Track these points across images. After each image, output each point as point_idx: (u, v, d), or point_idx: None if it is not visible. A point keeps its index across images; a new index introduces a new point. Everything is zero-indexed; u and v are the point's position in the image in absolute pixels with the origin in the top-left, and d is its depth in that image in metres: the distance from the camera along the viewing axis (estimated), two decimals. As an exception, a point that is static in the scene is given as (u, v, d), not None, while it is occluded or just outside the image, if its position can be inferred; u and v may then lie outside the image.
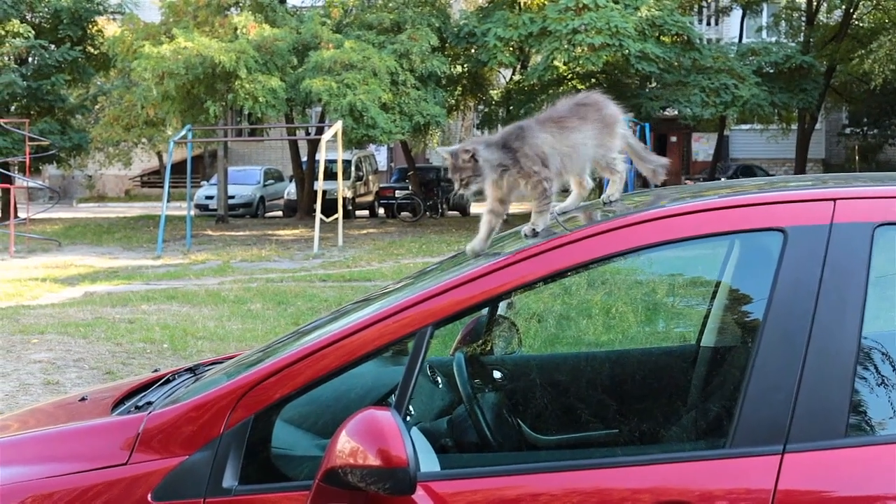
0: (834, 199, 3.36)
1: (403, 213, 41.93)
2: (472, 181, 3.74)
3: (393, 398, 3.98)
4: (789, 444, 3.10)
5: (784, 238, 3.29)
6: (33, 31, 38.42)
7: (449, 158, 3.76)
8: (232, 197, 42.13)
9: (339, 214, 28.97)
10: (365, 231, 34.71)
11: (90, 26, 41.70)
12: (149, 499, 3.40)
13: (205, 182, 48.65)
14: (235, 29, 32.46)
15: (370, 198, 44.90)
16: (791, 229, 3.30)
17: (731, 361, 4.27)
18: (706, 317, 4.81)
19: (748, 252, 4.08)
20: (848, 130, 54.45)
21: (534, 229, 3.70)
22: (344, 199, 33.18)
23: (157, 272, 22.89)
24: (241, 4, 35.29)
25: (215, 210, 41.07)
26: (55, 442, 3.88)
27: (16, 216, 32.58)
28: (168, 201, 29.32)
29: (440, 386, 4.61)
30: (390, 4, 35.28)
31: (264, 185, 46.75)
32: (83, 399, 4.44)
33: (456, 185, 3.78)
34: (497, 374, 4.81)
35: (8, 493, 3.59)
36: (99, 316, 15.74)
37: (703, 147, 55.04)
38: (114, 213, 46.55)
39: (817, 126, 47.55)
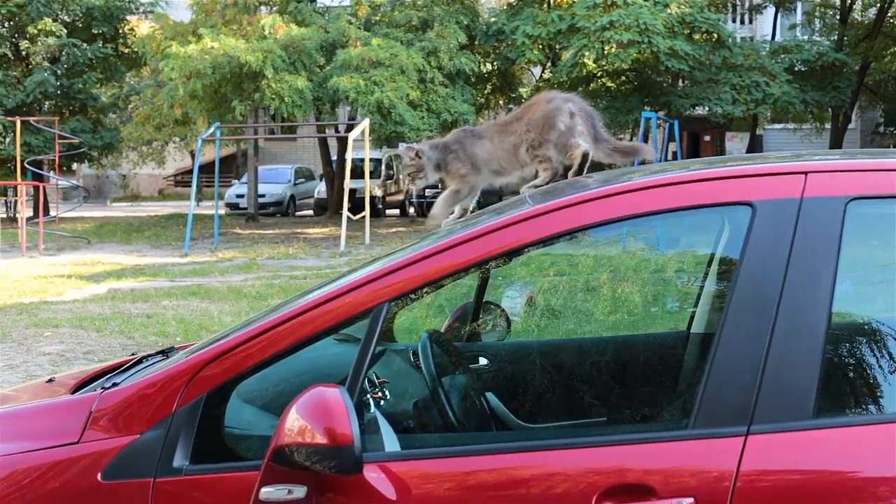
0: (805, 173, 3.26)
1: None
2: (416, 177, 4.22)
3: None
4: (754, 424, 3.01)
5: (752, 212, 3.19)
6: (65, 30, 38.59)
7: (399, 156, 3.96)
8: (263, 195, 42.21)
9: (366, 212, 28.92)
10: (394, 229, 34.66)
11: (122, 25, 41.87)
12: (98, 478, 3.34)
13: (236, 181, 48.75)
14: (263, 28, 32.47)
15: (401, 196, 44.84)
16: (759, 203, 3.21)
17: (694, 341, 4.18)
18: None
19: (727, 228, 3.99)
20: (883, 129, 53.96)
21: (432, 216, 4.13)
22: (373, 197, 33.15)
23: (182, 269, 22.91)
24: (269, 3, 35.31)
25: (246, 209, 41.16)
26: (8, 421, 3.83)
27: (46, 214, 32.76)
28: (199, 200, 29.37)
29: (423, 373, 4.53)
30: (419, 2, 35.19)
31: (295, 184, 46.82)
32: (50, 380, 4.39)
33: (405, 181, 4.20)
34: (473, 356, 4.74)
35: None
36: (117, 311, 15.75)
37: (736, 146, 54.72)
38: (145, 212, 46.71)
39: (851, 125, 47.11)
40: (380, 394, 3.88)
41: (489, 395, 4.36)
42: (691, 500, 2.96)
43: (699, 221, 4.09)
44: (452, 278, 3.48)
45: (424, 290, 3.44)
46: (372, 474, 3.12)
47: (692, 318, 4.69)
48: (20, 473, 3.46)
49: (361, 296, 3.36)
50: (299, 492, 3.11)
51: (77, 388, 4.01)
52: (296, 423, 3.01)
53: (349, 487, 3.13)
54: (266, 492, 3.10)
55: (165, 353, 4.29)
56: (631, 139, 38.96)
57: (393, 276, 3.37)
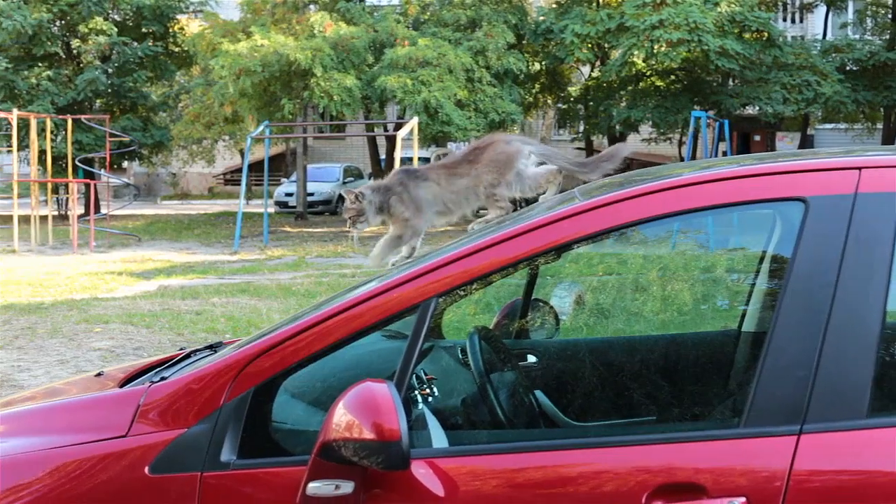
0: (859, 168, 3.21)
1: (482, 210, 41.74)
2: (358, 221, 4.17)
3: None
4: (807, 423, 2.97)
5: (805, 208, 3.14)
6: (116, 29, 38.84)
7: (345, 199, 4.20)
8: (311, 194, 42.30)
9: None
10: (441, 229, 34.58)
11: (172, 24, 42.10)
12: (146, 471, 3.33)
13: (285, 179, 48.89)
14: (312, 27, 32.57)
15: (449, 196, 44.74)
16: (813, 199, 3.16)
17: (745, 339, 4.13)
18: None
19: (778, 225, 3.94)
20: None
21: (372, 255, 4.17)
22: (422, 196, 33.09)
23: (232, 267, 23.01)
24: (318, 2, 35.41)
25: (295, 207, 41.26)
26: (59, 414, 3.86)
27: (97, 211, 32.98)
28: (248, 199, 29.48)
29: (472, 370, 4.50)
30: (467, 1, 35.16)
31: (344, 183, 46.89)
32: (99, 374, 4.40)
33: (347, 224, 4.21)
34: (521, 353, 4.71)
35: (11, 463, 3.56)
36: (167, 308, 15.84)
37: (787, 146, 54.31)
38: (195, 210, 46.93)
39: (903, 124, 46.71)
40: (427, 390, 3.85)
41: (537, 392, 4.32)
42: (743, 499, 2.92)
43: (750, 217, 4.05)
44: (501, 273, 3.46)
45: (473, 285, 3.42)
46: (420, 470, 3.10)
47: (743, 316, 4.64)
48: (69, 466, 3.46)
49: (409, 291, 3.34)
50: (346, 487, 3.09)
51: (125, 382, 4.02)
52: (343, 418, 3.00)
53: (397, 483, 3.11)
54: (313, 487, 3.09)
55: (213, 347, 4.28)
56: (680, 139, 38.83)
57: (441, 271, 3.34)
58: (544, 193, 4.33)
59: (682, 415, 3.96)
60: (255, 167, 44.79)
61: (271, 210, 34.46)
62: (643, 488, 2.98)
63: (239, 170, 57.99)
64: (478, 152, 4.26)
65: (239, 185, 42.76)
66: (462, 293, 3.46)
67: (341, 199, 45.53)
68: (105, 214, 33.98)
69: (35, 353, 12.23)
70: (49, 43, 38.49)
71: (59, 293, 17.90)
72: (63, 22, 39.66)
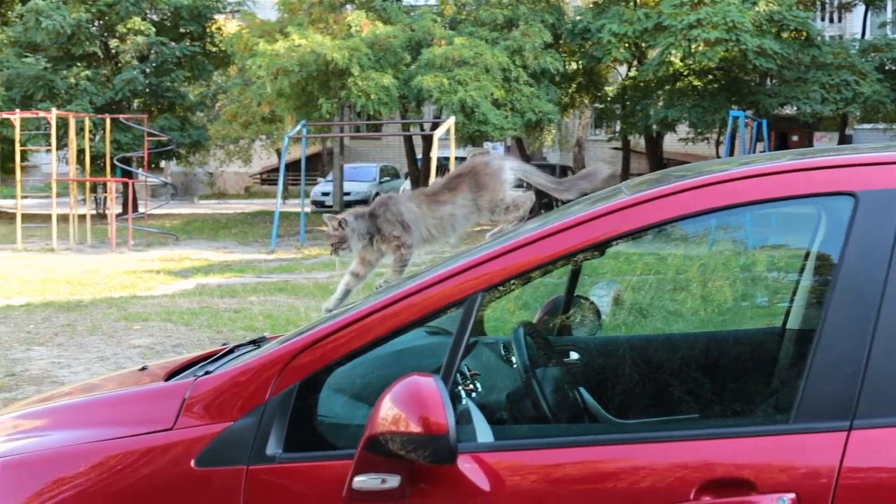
0: None
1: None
2: (340, 248, 4.17)
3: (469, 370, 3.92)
4: (857, 419, 2.94)
5: (855, 203, 3.11)
6: (154, 29, 39.01)
7: (326, 225, 4.22)
8: (348, 193, 42.34)
9: (451, 211, 28.87)
10: (478, 228, 34.56)
11: (209, 24, 42.27)
12: (192, 465, 3.34)
13: (321, 179, 48.99)
14: (349, 27, 32.62)
15: (485, 195, 44.71)
16: (863, 193, 3.12)
17: (791, 336, 4.10)
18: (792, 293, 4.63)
19: (824, 220, 3.90)
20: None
21: (387, 282, 4.06)
22: (458, 196, 33.07)
23: (269, 266, 23.06)
24: (355, 2, 35.45)
25: (331, 206, 41.32)
26: (105, 407, 3.87)
27: (135, 210, 33.13)
28: (285, 198, 29.54)
29: (514, 366, 4.49)
30: (504, 1, 35.12)
31: (380, 182, 46.95)
32: (143, 368, 4.42)
33: (330, 250, 4.20)
34: (564, 350, 4.69)
35: (56, 456, 3.58)
36: (205, 306, 15.89)
37: (825, 146, 54.04)
38: (232, 209, 47.08)
39: (944, 124, 46.35)
40: (471, 386, 3.85)
41: (580, 389, 4.31)
42: (793, 495, 2.90)
43: (795, 213, 4.01)
44: (547, 268, 3.44)
45: (519, 279, 3.41)
46: (465, 465, 3.09)
47: (787, 313, 4.61)
48: (115, 458, 3.48)
49: (455, 285, 3.33)
50: (393, 481, 3.09)
51: (170, 377, 4.03)
52: (390, 412, 2.99)
53: (443, 477, 3.10)
54: (359, 480, 3.09)
55: (257, 342, 4.29)
56: (718, 138, 38.66)
57: (487, 266, 3.33)
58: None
59: (729, 411, 3.93)
60: (292, 167, 44.90)
61: (308, 209, 34.51)
62: (692, 483, 2.97)
63: (275, 169, 58.15)
64: (459, 180, 4.27)
65: (275, 184, 42.89)
66: (507, 288, 3.45)
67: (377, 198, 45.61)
68: (143, 213, 34.13)
69: (75, 350, 12.31)
70: (87, 43, 38.71)
71: (98, 291, 17.99)
72: (101, 22, 39.87)
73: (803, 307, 4.42)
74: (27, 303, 16.42)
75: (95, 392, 4.24)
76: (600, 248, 3.47)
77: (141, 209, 35.40)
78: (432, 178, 27.86)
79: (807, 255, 4.45)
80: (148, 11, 40.46)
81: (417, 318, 3.38)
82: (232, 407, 3.41)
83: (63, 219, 28.75)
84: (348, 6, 35.67)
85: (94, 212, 34.49)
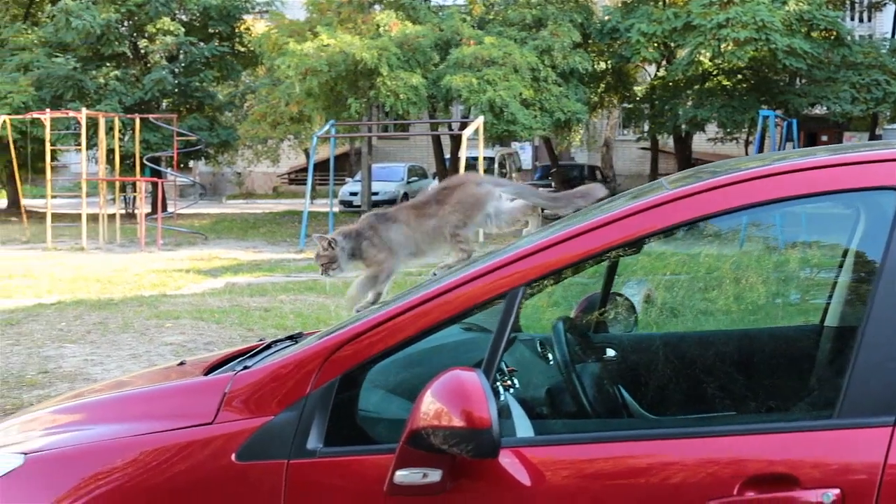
0: None
1: (546, 211, 41.68)
2: (330, 268, 4.18)
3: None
4: None
5: None
6: (183, 29, 39.13)
7: (317, 245, 4.21)
8: (376, 193, 42.36)
9: (479, 210, 28.83)
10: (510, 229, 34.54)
11: (238, 24, 42.37)
12: (232, 459, 3.34)
13: (349, 179, 49.04)
14: (378, 26, 32.65)
15: (513, 195, 44.69)
16: None
17: (831, 333, 4.08)
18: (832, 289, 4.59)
19: (864, 216, 3.87)
20: None
21: (349, 297, 4.15)
22: (486, 195, 33.06)
23: (298, 265, 23.08)
24: (384, 2, 35.48)
25: (359, 206, 41.36)
26: (145, 402, 3.88)
27: (164, 210, 33.24)
28: (313, 198, 29.58)
29: (550, 363, 4.48)
30: (532, 1, 35.10)
31: (408, 182, 46.97)
32: (182, 364, 4.42)
33: (319, 270, 4.22)
34: (602, 346, 4.67)
35: (95, 450, 3.58)
36: (235, 304, 15.93)
37: (859, 143, 53.71)
38: (260, 209, 47.17)
39: (975, 124, 46.07)
40: (509, 382, 3.84)
41: (621, 385, 4.29)
42: (837, 491, 2.88)
43: (834, 208, 3.99)
44: (589, 262, 3.44)
45: (560, 274, 3.39)
46: (506, 459, 3.09)
47: (826, 310, 4.58)
48: (155, 452, 3.48)
49: (496, 280, 3.32)
50: (434, 476, 3.08)
51: (208, 372, 4.03)
52: (432, 407, 2.98)
53: (484, 472, 3.10)
54: (401, 475, 3.08)
55: (294, 338, 4.29)
56: (747, 139, 38.51)
57: (528, 261, 3.32)
58: (526, 227, 4.40)
59: (771, 407, 3.91)
60: (320, 167, 44.96)
61: (336, 209, 34.58)
62: (736, 478, 2.96)
63: (303, 169, 58.26)
64: (447, 192, 4.24)
65: (303, 184, 43.00)
66: (548, 282, 3.44)
67: (406, 197, 45.65)
68: (172, 213, 34.23)
69: (107, 348, 12.36)
70: (117, 43, 38.84)
71: (128, 290, 18.06)
72: (131, 22, 40.00)
73: (843, 304, 4.39)
74: (58, 301, 16.50)
75: (133, 387, 4.25)
76: (643, 242, 3.44)
77: (170, 209, 35.52)
78: (461, 178, 27.84)
79: (845, 252, 4.42)
80: (177, 12, 40.57)
81: (458, 312, 3.38)
82: (272, 401, 3.40)
83: (92, 218, 28.89)
84: (377, 6, 35.71)
85: (123, 211, 34.60)
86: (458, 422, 2.94)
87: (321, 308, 15.40)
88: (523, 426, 3.47)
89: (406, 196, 45.89)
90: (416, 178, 48.12)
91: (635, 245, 3.45)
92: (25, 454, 3.66)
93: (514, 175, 45.98)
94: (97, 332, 13.47)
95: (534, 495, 3.08)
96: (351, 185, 45.87)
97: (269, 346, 4.21)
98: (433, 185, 42.36)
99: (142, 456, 3.50)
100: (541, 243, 3.36)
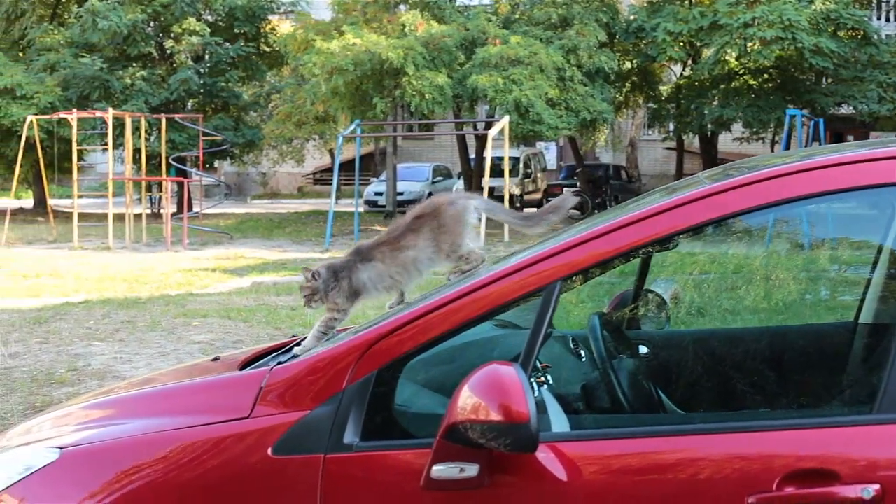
0: None
1: (572, 211, 41.65)
2: (313, 300, 4.12)
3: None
4: None
5: None
6: (209, 29, 39.26)
7: (302, 275, 4.18)
8: (401, 193, 42.38)
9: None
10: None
11: (263, 24, 42.47)
12: (269, 453, 3.34)
13: (374, 179, 49.10)
14: (404, 26, 32.68)
15: (538, 195, 44.80)
16: None
17: (866, 329, 4.05)
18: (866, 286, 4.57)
19: None
20: None
21: (304, 348, 3.96)
22: (512, 195, 33.12)
23: (324, 264, 23.07)
24: (409, 1, 35.52)
25: (384, 206, 41.41)
26: (181, 396, 3.88)
27: (189, 210, 33.34)
28: (338, 198, 29.62)
29: (583, 359, 4.47)
30: (558, 0, 35.05)
31: (433, 182, 46.99)
32: (215, 359, 4.43)
33: (303, 302, 4.15)
34: (639, 342, 4.65)
35: (129, 445, 3.59)
36: (262, 303, 15.96)
37: (886, 138, 53.35)
38: (285, 208, 47.23)
39: None
40: (543, 378, 3.82)
41: (657, 381, 4.28)
42: (877, 486, 2.87)
43: (868, 204, 3.96)
44: (626, 257, 3.42)
45: (598, 268, 3.38)
46: (541, 454, 3.07)
47: (860, 307, 4.55)
48: (191, 447, 3.48)
49: (533, 274, 3.31)
50: (471, 470, 3.07)
51: (243, 367, 4.03)
52: (469, 401, 2.97)
53: (521, 467, 3.09)
54: (438, 469, 3.07)
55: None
56: (773, 138, 38.38)
57: (566, 255, 3.31)
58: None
59: (808, 403, 3.89)
60: (345, 167, 45.05)
61: (361, 209, 34.63)
62: (774, 473, 2.94)
63: (328, 170, 58.37)
64: (420, 221, 4.17)
65: (328, 184, 43.10)
66: (586, 276, 3.43)
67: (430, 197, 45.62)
68: (198, 213, 34.32)
69: (136, 346, 12.39)
70: (143, 43, 38.99)
71: (155, 289, 18.11)
72: (157, 22, 40.17)
73: (878, 301, 4.37)
74: (86, 300, 16.55)
75: (167, 382, 4.25)
76: (682, 236, 3.41)
77: (195, 208, 35.63)
78: (486, 178, 27.92)
79: (880, 250, 4.39)
80: (203, 12, 40.71)
81: (495, 307, 3.36)
82: (309, 395, 3.40)
83: (118, 218, 28.98)
84: (402, 6, 35.75)
85: (148, 211, 34.74)
86: (496, 416, 2.93)
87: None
88: (559, 421, 3.46)
89: (430, 196, 45.87)
90: (440, 178, 48.13)
91: (674, 239, 3.41)
92: (61, 448, 3.67)
93: (539, 175, 45.95)
94: (125, 330, 13.51)
95: (571, 490, 3.07)
96: (376, 185, 45.92)
97: (300, 343, 4.21)
98: (459, 185, 42.40)
99: (178, 450, 3.50)
100: (579, 237, 3.34)
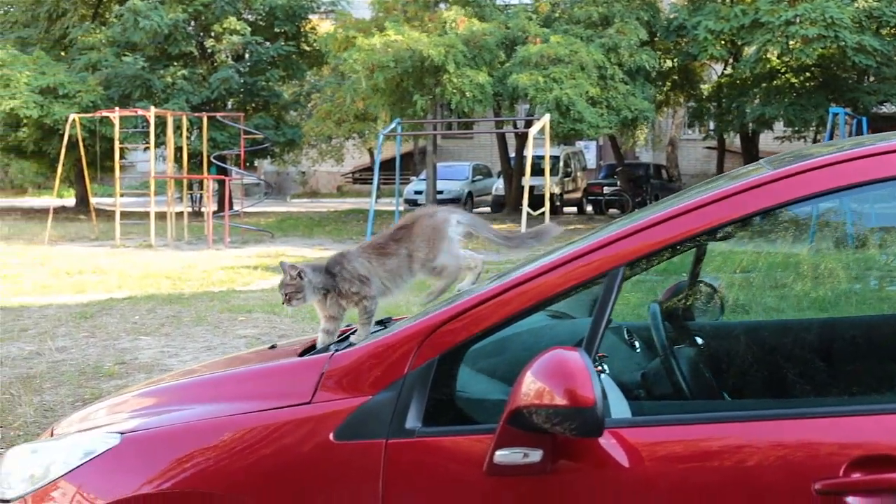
0: None
1: (611, 210, 41.67)
2: (295, 297, 4.10)
3: None
4: None
5: None
6: (249, 29, 39.42)
7: (281, 273, 4.14)
8: (440, 192, 42.45)
9: (546, 209, 28.79)
10: (572, 227, 34.46)
11: (304, 24, 42.61)
12: (330, 438, 3.34)
13: (414, 178, 49.19)
14: (444, 23, 32.71)
15: (578, 194, 44.77)
16: None
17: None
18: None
19: None
20: None
21: (357, 336, 4.00)
22: (552, 194, 33.06)
23: (364, 262, 23.09)
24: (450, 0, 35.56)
25: (423, 205, 41.44)
26: (242, 382, 3.89)
27: (230, 208, 33.48)
28: (378, 197, 29.66)
29: (637, 350, 4.46)
30: (598, -2, 35.05)
31: (473, 181, 47.06)
32: (273, 347, 4.44)
33: (282, 299, 4.14)
34: (694, 332, 4.63)
35: (189, 430, 3.61)
36: (307, 299, 15.97)
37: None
38: (325, 207, 47.38)
39: None
40: (599, 367, 3.81)
41: (717, 369, 4.25)
42: None
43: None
44: (691, 243, 3.40)
45: (661, 254, 3.36)
46: (603, 440, 3.06)
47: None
48: (252, 431, 3.49)
49: (597, 260, 3.29)
50: (535, 455, 3.05)
51: (302, 354, 4.04)
52: (533, 386, 2.96)
53: (583, 452, 3.07)
54: (501, 455, 3.06)
55: (384, 322, 4.30)
56: (815, 137, 38.18)
57: (630, 240, 3.29)
58: (461, 282, 4.32)
59: (876, 389, 3.86)
60: (384, 166, 45.16)
61: (401, 208, 34.68)
62: (841, 459, 2.91)
63: (366, 169, 58.60)
64: (404, 231, 4.20)
65: (366, 183, 43.24)
66: (650, 262, 3.41)
67: (470, 196, 45.70)
68: (238, 211, 34.45)
69: (182, 340, 12.44)
70: (184, 42, 39.26)
71: (198, 286, 18.18)
72: (197, 22, 40.41)
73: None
74: (130, 296, 16.63)
75: (224, 369, 4.25)
76: (747, 221, 3.37)
77: (235, 207, 35.78)
78: (527, 177, 27.89)
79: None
80: (243, 11, 40.90)
81: (560, 291, 3.34)
82: (370, 381, 3.40)
83: (159, 216, 29.11)
84: (442, 4, 35.79)
85: (190, 209, 34.91)
86: (560, 400, 2.91)
87: (390, 303, 15.40)
88: (619, 407, 3.44)
89: (471, 195, 46.01)
90: (480, 177, 48.18)
91: (741, 224, 3.37)
92: (122, 433, 3.68)
93: (578, 174, 45.88)
94: (170, 325, 13.57)
95: (635, 476, 3.05)
96: (416, 184, 46.03)
97: (355, 332, 4.21)
98: (499, 185, 42.30)
99: (238, 435, 3.50)
100: (642, 223, 3.32)
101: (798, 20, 31.59)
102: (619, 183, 42.40)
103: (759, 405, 4.01)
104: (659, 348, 4.02)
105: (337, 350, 3.69)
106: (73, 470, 3.66)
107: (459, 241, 4.27)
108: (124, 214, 30.78)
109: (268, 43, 40.38)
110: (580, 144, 49.48)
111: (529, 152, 27.98)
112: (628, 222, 3.45)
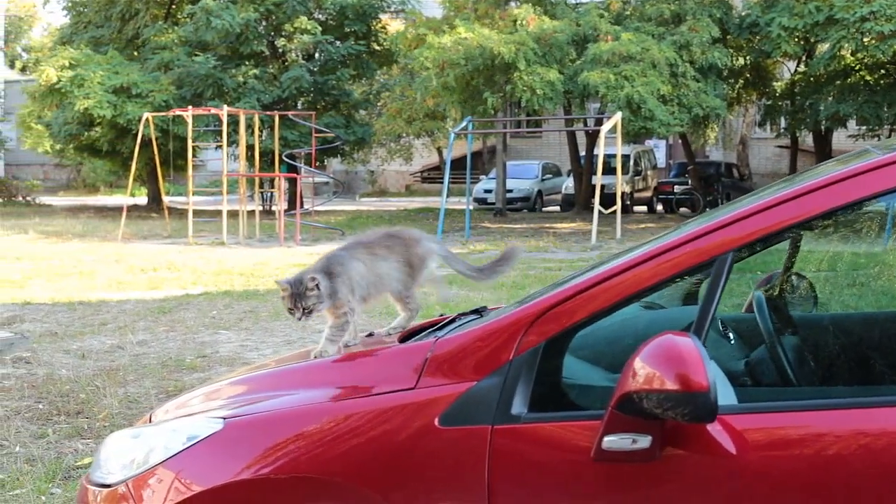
0: None
1: (682, 209, 41.44)
2: (316, 309, 4.00)
3: None
4: None
5: None
6: (320, 28, 39.59)
7: (288, 288, 4.00)
8: (510, 191, 42.46)
9: (618, 207, 28.71)
10: (643, 225, 34.35)
11: (374, 23, 42.73)
12: (436, 423, 3.33)
13: (483, 177, 49.20)
14: (515, 21, 32.68)
15: (648, 193, 44.62)
16: None
17: None
18: None
19: None
20: None
21: (321, 353, 4.02)
22: (622, 193, 32.95)
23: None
24: (520, -2, 35.55)
25: (493, 204, 41.49)
26: (345, 368, 3.89)
27: (301, 206, 33.65)
28: (447, 196, 29.69)
29: (731, 342, 4.42)
30: (670, -4, 34.83)
31: (542, 180, 47.03)
32: (370, 335, 4.44)
33: (297, 314, 4.01)
34: (795, 322, 4.57)
35: (292, 415, 3.62)
36: (382, 296, 16.01)
37: None
38: (394, 206, 47.50)
39: None
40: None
41: (823, 356, 4.20)
42: None
43: None
44: (800, 229, 3.36)
45: (770, 239, 3.32)
46: (711, 427, 3.02)
47: None
48: (355, 417, 3.49)
49: (705, 245, 3.25)
50: (643, 442, 3.02)
51: (403, 341, 4.03)
52: (643, 371, 2.93)
53: (692, 439, 3.04)
54: (609, 440, 3.04)
55: (479, 311, 4.28)
56: (889, 135, 37.71)
57: (739, 225, 3.24)
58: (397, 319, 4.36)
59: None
60: (453, 165, 45.19)
61: (471, 206, 34.72)
62: None
63: (435, 168, 58.71)
64: (394, 241, 4.26)
65: (435, 183, 43.29)
66: (759, 246, 3.37)
67: (540, 195, 45.61)
68: (309, 209, 34.61)
69: (261, 334, 12.52)
70: (255, 42, 39.54)
71: (272, 283, 18.25)
72: (268, 21, 40.65)
73: None
74: (205, 292, 16.78)
75: (321, 356, 4.25)
76: (859, 206, 3.31)
77: (305, 206, 35.95)
78: (598, 176, 27.81)
79: None
80: (314, 11, 41.08)
81: (668, 276, 3.30)
82: (476, 366, 3.38)
83: (231, 214, 29.32)
84: (512, 2, 35.76)
85: (261, 207, 35.14)
86: (672, 385, 2.88)
87: (465, 300, 15.41)
88: (725, 394, 3.40)
89: (540, 194, 45.96)
90: (549, 176, 48.13)
91: (852, 209, 3.32)
92: (224, 419, 3.70)
93: (649, 172, 45.67)
94: (248, 319, 13.66)
95: (743, 464, 3.02)
96: (485, 183, 46.07)
97: (453, 320, 4.21)
98: (569, 184, 42.18)
99: (342, 420, 3.51)
100: (751, 208, 3.28)
101: (873, 16, 31.15)
102: (690, 182, 42.14)
103: (863, 392, 3.96)
104: (765, 335, 3.98)
105: (440, 336, 3.68)
106: (174, 455, 3.68)
107: (431, 275, 4.35)
108: (196, 212, 31.05)
109: (338, 42, 40.55)
110: (650, 143, 49.24)
111: (601, 150, 27.90)
112: (735, 208, 3.41)
